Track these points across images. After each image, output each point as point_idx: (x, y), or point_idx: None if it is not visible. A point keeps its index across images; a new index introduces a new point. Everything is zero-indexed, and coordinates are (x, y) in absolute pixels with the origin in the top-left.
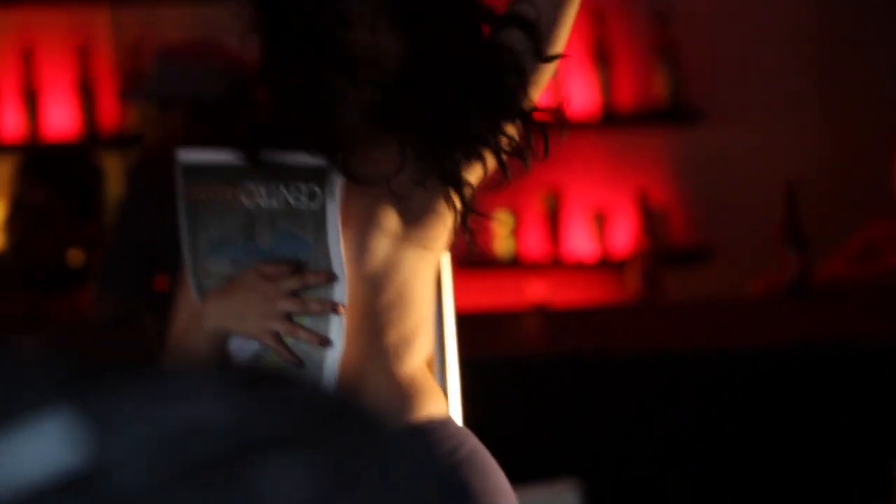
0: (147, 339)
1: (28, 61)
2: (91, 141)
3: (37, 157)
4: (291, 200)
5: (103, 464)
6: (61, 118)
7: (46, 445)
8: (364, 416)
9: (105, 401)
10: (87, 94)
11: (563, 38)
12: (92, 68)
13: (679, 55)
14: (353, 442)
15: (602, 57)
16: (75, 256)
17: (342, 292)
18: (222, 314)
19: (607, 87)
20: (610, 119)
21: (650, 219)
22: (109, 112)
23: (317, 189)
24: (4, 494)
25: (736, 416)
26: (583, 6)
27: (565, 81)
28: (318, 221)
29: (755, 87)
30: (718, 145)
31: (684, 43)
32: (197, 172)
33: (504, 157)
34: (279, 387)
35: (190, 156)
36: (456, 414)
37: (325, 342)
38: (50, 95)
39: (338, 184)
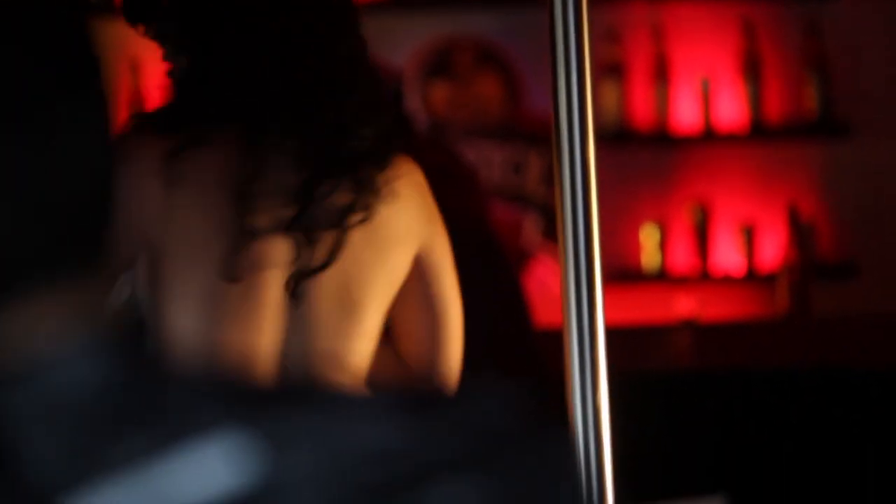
0: None
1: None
2: None
3: None
4: None
5: (276, 486)
6: None
7: (220, 466)
8: (533, 438)
9: (278, 422)
10: None
11: None
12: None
13: (829, 68)
14: (525, 464)
15: (752, 69)
16: None
17: None
18: None
19: (757, 99)
20: (759, 131)
21: (799, 232)
22: None
23: None
24: None
25: (888, 435)
26: (732, 19)
27: (715, 94)
28: None
29: None
30: (868, 159)
31: (835, 55)
32: None
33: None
34: (449, 409)
35: None
36: (605, 429)
37: None
38: None
39: None
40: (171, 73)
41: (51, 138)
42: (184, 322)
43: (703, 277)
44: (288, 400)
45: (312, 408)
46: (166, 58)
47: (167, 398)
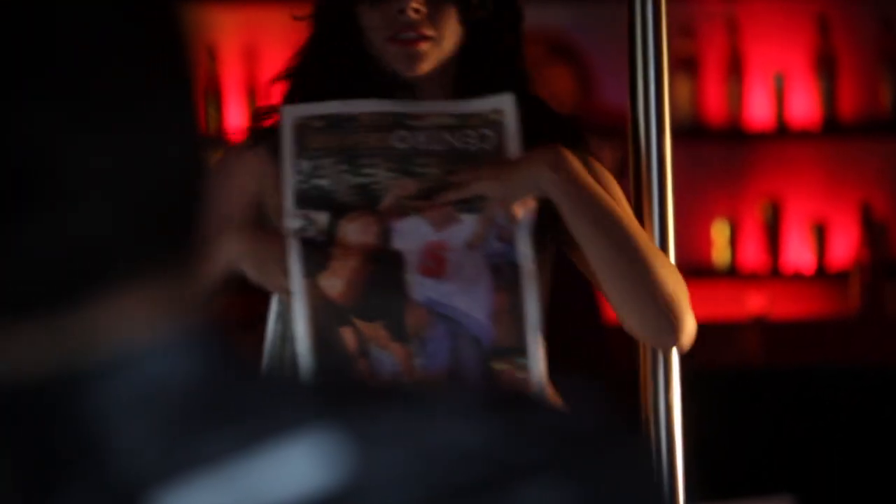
0: None
1: (251, 60)
2: None
3: None
4: (457, 144)
5: (362, 485)
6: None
7: (309, 464)
8: (615, 441)
9: (367, 420)
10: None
11: None
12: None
13: None
14: (608, 467)
15: (826, 65)
16: None
17: (527, 251)
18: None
19: (830, 95)
20: (832, 128)
21: (871, 230)
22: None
23: (490, 132)
24: None
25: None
26: (807, 15)
27: (788, 90)
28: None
29: None
30: None
31: None
32: (315, 126)
33: None
34: (533, 410)
35: (309, 110)
36: (678, 427)
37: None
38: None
39: (514, 122)
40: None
41: (142, 130)
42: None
43: (774, 274)
44: (377, 398)
45: (401, 406)
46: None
47: (258, 394)
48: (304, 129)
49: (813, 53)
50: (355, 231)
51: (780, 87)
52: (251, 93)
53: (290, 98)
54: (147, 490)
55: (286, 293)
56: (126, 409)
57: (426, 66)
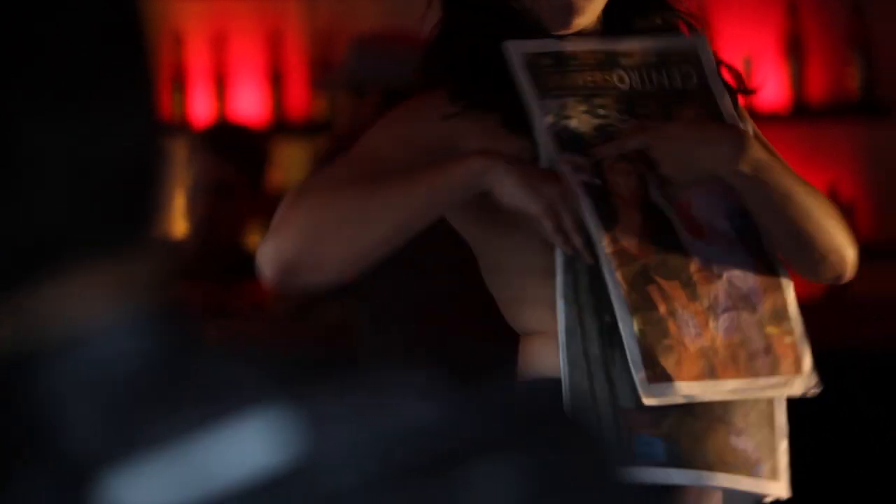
0: (334, 331)
1: (219, 47)
2: (279, 128)
3: (211, 134)
4: (667, 83)
5: (313, 464)
6: (250, 105)
7: (259, 443)
8: (572, 423)
9: (315, 399)
10: (276, 81)
11: None
12: (282, 55)
13: (873, 48)
14: (561, 448)
15: (795, 49)
16: (256, 243)
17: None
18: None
19: (799, 79)
20: (800, 111)
21: (839, 212)
22: (298, 100)
23: (690, 70)
24: (214, 491)
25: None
26: None
27: (757, 73)
28: (704, 97)
29: None
30: None
31: (879, 36)
32: (545, 64)
33: None
34: (490, 388)
35: (544, 46)
36: None
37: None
38: (240, 82)
39: (711, 57)
40: None
41: (101, 113)
42: None
43: None
44: (327, 376)
45: (351, 385)
46: None
47: (209, 374)
48: (535, 67)
49: (782, 36)
50: (620, 178)
51: (748, 69)
52: (218, 80)
53: (437, 57)
54: (97, 471)
55: (571, 238)
56: (77, 390)
57: (582, 21)
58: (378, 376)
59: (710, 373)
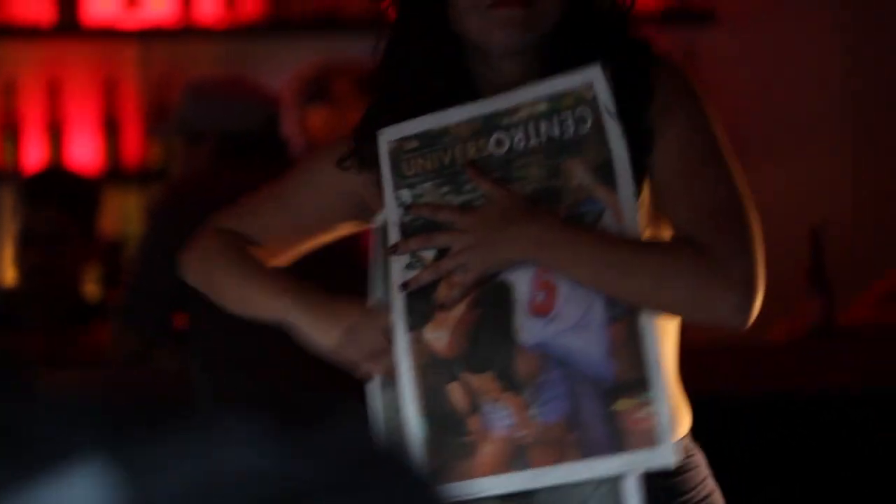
0: (170, 377)
1: (54, 94)
2: (114, 175)
3: (41, 181)
4: (557, 133)
5: None
6: (85, 152)
7: (79, 495)
8: (405, 464)
9: (139, 447)
10: (112, 128)
11: None
12: (118, 102)
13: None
14: (393, 490)
15: None
16: (91, 291)
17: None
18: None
19: None
20: None
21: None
22: (134, 147)
23: (585, 110)
24: None
25: (753, 459)
26: None
27: None
28: (598, 142)
29: (781, 130)
30: None
31: (711, 84)
32: (409, 149)
33: None
34: (318, 432)
35: (402, 130)
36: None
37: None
38: (75, 129)
39: (607, 93)
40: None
41: None
42: None
43: None
44: (152, 425)
45: (177, 432)
46: None
47: (39, 424)
48: (399, 153)
49: None
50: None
51: None
52: (52, 128)
53: (378, 108)
54: None
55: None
56: None
57: (527, 34)
58: (209, 423)
59: (522, 463)
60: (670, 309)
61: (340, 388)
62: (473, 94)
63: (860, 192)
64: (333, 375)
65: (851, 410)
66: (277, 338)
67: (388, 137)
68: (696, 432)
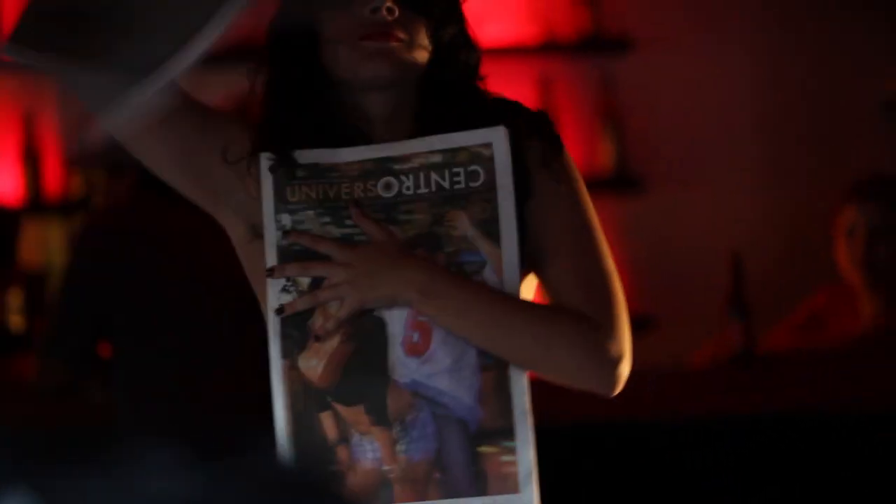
0: (94, 407)
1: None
2: (34, 207)
3: None
4: (447, 184)
5: None
6: (5, 183)
7: None
8: (322, 491)
9: (61, 478)
10: (31, 159)
11: None
12: (37, 134)
13: (624, 124)
14: None
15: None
16: (14, 321)
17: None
18: None
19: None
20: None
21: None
22: (54, 178)
23: (479, 168)
24: None
25: (684, 486)
26: (529, 73)
27: None
28: (486, 199)
29: (700, 157)
30: (663, 214)
31: (629, 111)
32: (297, 176)
33: None
34: (238, 461)
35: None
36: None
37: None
38: None
39: (506, 156)
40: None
41: None
42: None
43: None
44: (75, 455)
45: (99, 462)
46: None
47: None
48: (283, 178)
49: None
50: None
51: None
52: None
53: (262, 140)
54: None
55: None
56: None
57: (396, 68)
58: (132, 452)
59: (386, 497)
60: (546, 373)
61: (262, 414)
62: (343, 129)
63: (778, 218)
64: (257, 402)
65: (772, 436)
66: (202, 366)
67: (271, 163)
68: (615, 458)
